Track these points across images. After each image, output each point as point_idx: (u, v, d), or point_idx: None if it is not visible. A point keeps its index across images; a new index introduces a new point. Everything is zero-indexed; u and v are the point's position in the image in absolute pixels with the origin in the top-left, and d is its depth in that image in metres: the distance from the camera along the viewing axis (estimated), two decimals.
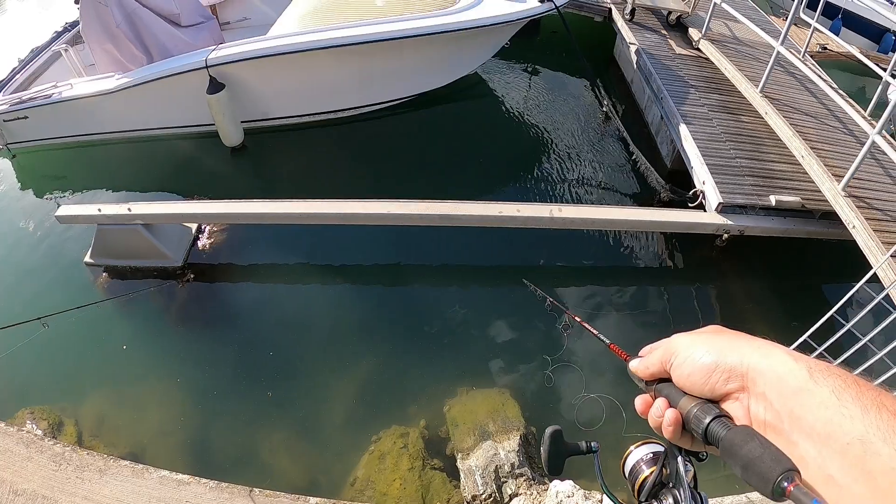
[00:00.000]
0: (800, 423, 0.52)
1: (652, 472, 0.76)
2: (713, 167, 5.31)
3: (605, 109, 6.74)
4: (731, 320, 4.68)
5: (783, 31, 5.48)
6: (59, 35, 7.76)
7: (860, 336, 3.79)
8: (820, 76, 6.48)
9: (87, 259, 5.49)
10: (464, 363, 4.48)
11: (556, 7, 6.00)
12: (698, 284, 5.42)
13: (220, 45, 6.10)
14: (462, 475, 3.78)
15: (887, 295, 3.94)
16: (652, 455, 0.78)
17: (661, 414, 0.65)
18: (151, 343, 4.91)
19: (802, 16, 6.05)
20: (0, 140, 6.99)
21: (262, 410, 4.28)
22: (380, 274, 5.35)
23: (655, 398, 0.68)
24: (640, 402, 0.70)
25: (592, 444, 0.84)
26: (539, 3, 5.98)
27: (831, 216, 4.84)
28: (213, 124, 6.30)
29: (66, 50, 7.07)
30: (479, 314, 4.84)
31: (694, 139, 5.54)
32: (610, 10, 7.77)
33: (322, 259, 5.44)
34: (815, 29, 5.72)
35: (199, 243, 5.56)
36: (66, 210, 5.24)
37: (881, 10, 5.16)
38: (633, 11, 7.34)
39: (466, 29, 5.90)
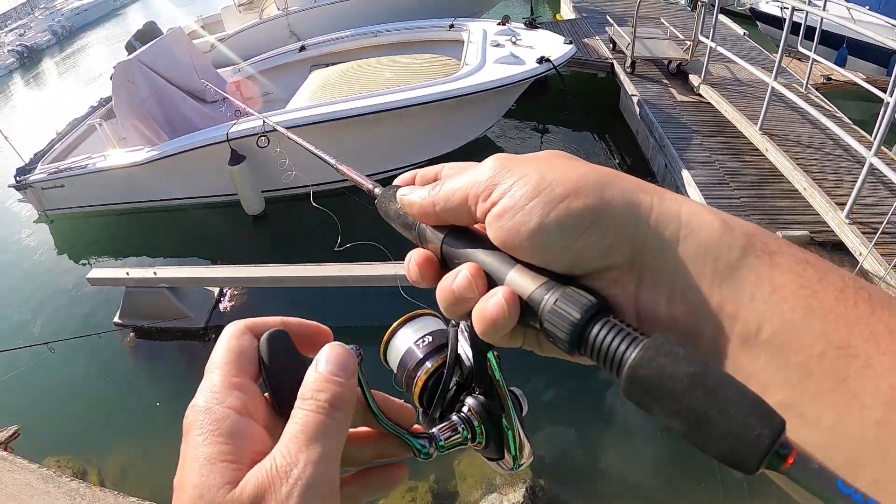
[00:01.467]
0: (735, 323, 0.30)
1: (436, 368, 0.44)
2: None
3: (613, 164, 6.88)
4: None
5: (775, 67, 5.59)
6: (94, 109, 8.37)
7: None
8: (823, 106, 6.57)
9: (117, 319, 5.78)
10: None
11: (554, 67, 6.24)
12: None
13: (240, 120, 6.48)
14: None
15: None
16: (431, 338, 0.46)
17: (472, 291, 0.36)
18: (176, 400, 5.09)
19: (802, 49, 6.14)
20: (38, 206, 7.52)
21: None
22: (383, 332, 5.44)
23: (447, 261, 0.40)
24: (417, 258, 0.41)
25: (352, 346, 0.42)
26: (537, 65, 6.24)
27: (842, 246, 4.76)
28: (236, 194, 6.62)
29: (100, 124, 7.57)
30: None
31: (697, 184, 5.62)
32: (612, 64, 8.03)
33: (337, 321, 5.53)
34: (815, 60, 5.82)
35: (221, 306, 5.80)
36: (96, 273, 5.51)
37: (878, 38, 5.05)
38: (633, 64, 7.56)
39: (470, 94, 6.14)
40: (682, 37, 8.00)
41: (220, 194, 6.95)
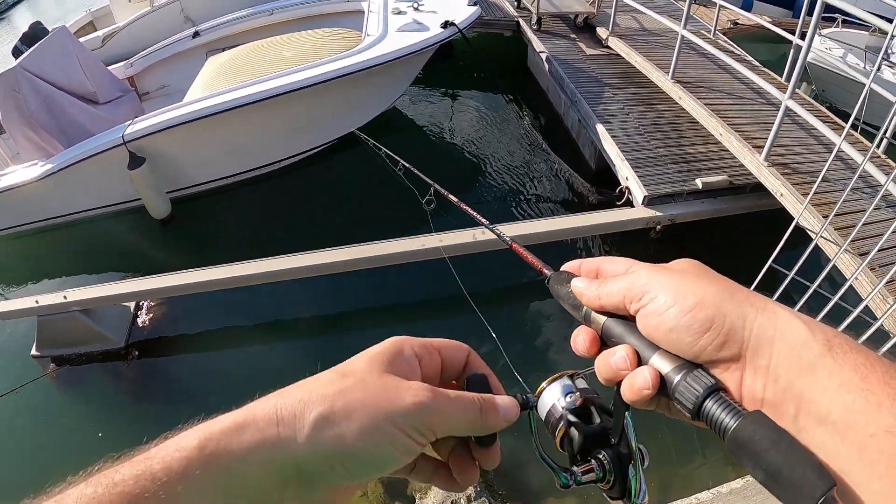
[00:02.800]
0: (811, 406, 0.41)
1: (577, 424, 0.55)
2: (634, 162, 5.39)
3: (524, 124, 6.83)
4: None
5: (684, 15, 5.59)
6: None
7: (808, 283, 3.83)
8: (733, 51, 6.66)
9: (34, 352, 5.42)
10: None
11: (460, 30, 6.08)
12: None
13: (136, 120, 6.07)
14: None
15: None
16: (574, 398, 0.56)
17: (626, 367, 0.49)
18: (106, 425, 4.84)
19: None
20: None
21: None
22: (321, 324, 5.33)
23: (605, 340, 0.53)
24: (583, 336, 0.54)
25: (528, 396, 0.57)
26: (442, 30, 6.05)
27: (761, 187, 4.87)
28: (140, 199, 6.27)
29: None
30: None
31: (612, 137, 5.62)
32: (517, 22, 7.91)
33: (262, 318, 5.43)
34: (722, 6, 5.87)
35: (139, 320, 5.51)
36: (3, 305, 5.18)
37: None
38: (539, 21, 7.47)
39: (374, 67, 5.93)
40: None
41: (125, 201, 6.56)
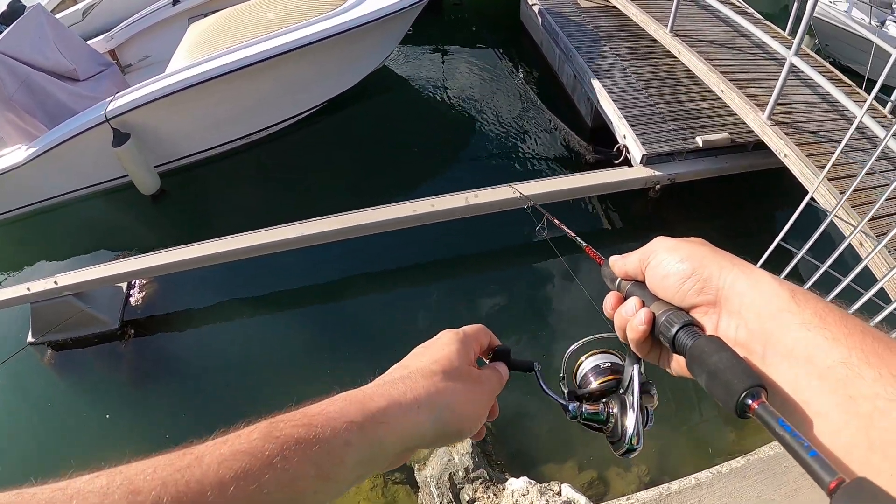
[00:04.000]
0: (777, 344, 0.48)
1: (602, 382, 0.72)
2: (632, 119, 5.20)
3: (518, 80, 6.61)
4: None
5: None
6: None
7: (818, 264, 3.66)
8: (734, 3, 6.39)
9: (30, 339, 5.38)
10: None
11: None
12: (641, 241, 5.31)
13: (117, 95, 5.88)
14: (420, 487, 3.72)
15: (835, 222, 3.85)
16: (608, 365, 0.73)
17: (632, 312, 0.61)
18: (107, 410, 4.83)
19: None
20: None
21: None
22: (314, 295, 5.27)
23: (626, 298, 0.65)
24: (610, 298, 0.67)
25: (535, 364, 0.75)
26: None
27: (764, 146, 4.71)
28: (128, 176, 6.12)
29: None
30: (419, 318, 4.77)
31: (609, 93, 5.42)
32: None
33: (256, 291, 5.35)
34: None
35: (132, 300, 5.45)
36: None
37: None
38: None
39: (361, 26, 5.71)
40: None
41: (113, 178, 6.43)
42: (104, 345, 5.25)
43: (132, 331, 5.21)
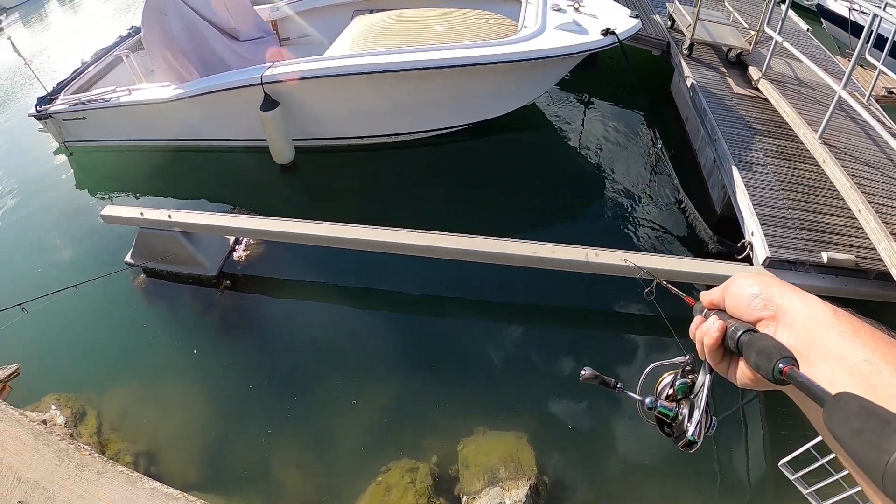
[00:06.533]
0: (819, 347, 0.61)
1: (677, 386, 0.87)
2: (763, 218, 5.05)
3: (657, 148, 6.54)
4: None
5: (846, 74, 5.17)
6: (122, 40, 8.04)
7: None
8: (884, 122, 6.16)
9: (128, 259, 5.65)
10: (486, 402, 4.35)
11: (620, 41, 5.82)
12: None
13: (277, 63, 6.17)
14: None
15: None
16: (682, 380, 0.87)
17: (709, 324, 0.75)
18: (183, 345, 5.02)
19: (869, 57, 5.72)
20: (58, 137, 7.33)
21: (279, 424, 4.30)
22: (411, 303, 5.27)
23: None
24: (695, 322, 0.80)
25: (618, 383, 0.95)
26: (602, 37, 5.82)
27: (887, 277, 4.49)
28: (265, 140, 6.37)
29: (127, 56, 7.30)
30: (507, 355, 4.72)
31: (746, 187, 5.29)
32: (668, 44, 7.56)
33: (355, 282, 5.42)
34: (882, 72, 5.43)
35: (235, 254, 5.66)
36: (111, 210, 5.39)
37: None
38: (691, 46, 7.11)
39: (528, 60, 5.76)
40: (745, 24, 7.52)
41: (248, 139, 6.72)
42: (197, 287, 5.47)
43: (228, 282, 5.40)
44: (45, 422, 3.97)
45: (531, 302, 5.19)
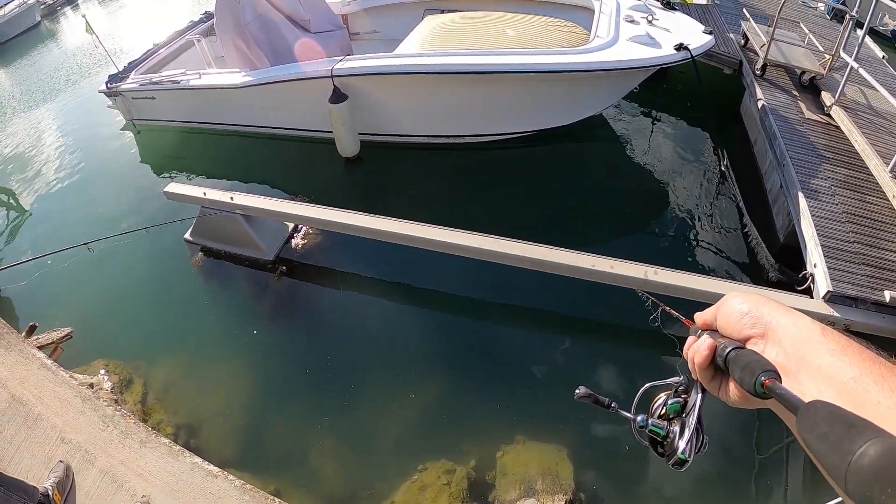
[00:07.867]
0: (807, 365, 0.62)
1: (669, 405, 0.89)
2: (828, 250, 4.92)
3: (722, 169, 6.40)
4: None
5: None
6: (195, 24, 8.30)
7: None
8: None
9: (187, 236, 5.85)
10: (529, 412, 4.33)
11: (693, 57, 5.71)
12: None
13: (348, 57, 6.26)
14: None
15: None
16: (675, 399, 0.89)
17: (699, 343, 0.76)
18: (235, 325, 5.16)
19: None
20: (126, 115, 7.63)
21: (320, 413, 4.36)
22: (463, 305, 5.26)
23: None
24: (689, 341, 0.82)
25: (612, 403, 1.02)
26: (675, 51, 5.73)
27: None
28: (331, 132, 6.47)
29: (198, 40, 7.53)
30: (555, 367, 4.71)
31: (812, 217, 5.15)
32: (741, 62, 7.39)
33: (409, 279, 5.45)
34: None
35: (293, 241, 5.78)
36: (174, 188, 5.55)
37: None
38: (763, 67, 6.93)
39: (600, 71, 5.70)
40: (820, 48, 7.29)
41: (314, 130, 6.85)
42: (253, 270, 5.61)
43: (284, 268, 5.53)
44: (91, 385, 4.08)
45: (586, 317, 5.14)
